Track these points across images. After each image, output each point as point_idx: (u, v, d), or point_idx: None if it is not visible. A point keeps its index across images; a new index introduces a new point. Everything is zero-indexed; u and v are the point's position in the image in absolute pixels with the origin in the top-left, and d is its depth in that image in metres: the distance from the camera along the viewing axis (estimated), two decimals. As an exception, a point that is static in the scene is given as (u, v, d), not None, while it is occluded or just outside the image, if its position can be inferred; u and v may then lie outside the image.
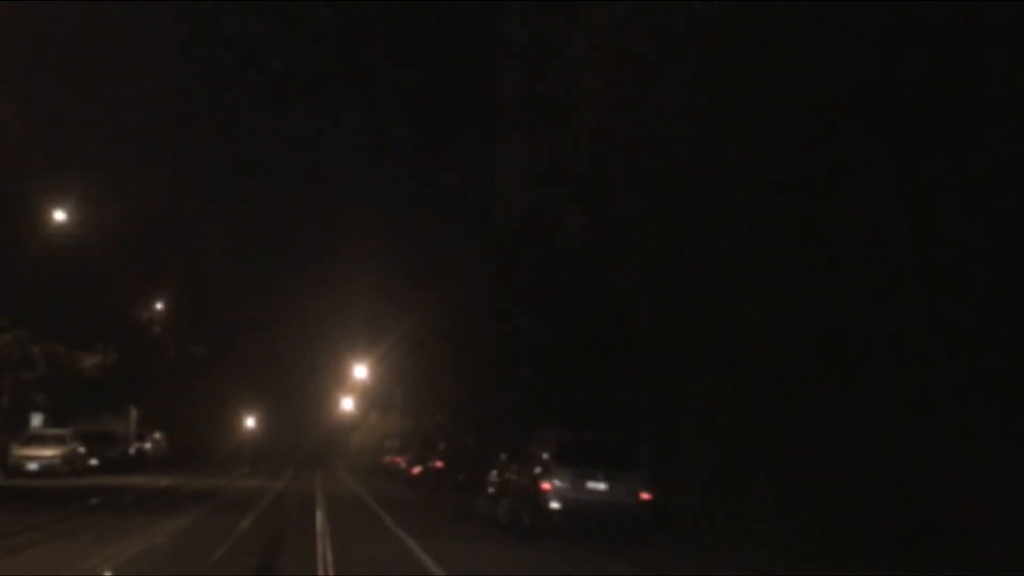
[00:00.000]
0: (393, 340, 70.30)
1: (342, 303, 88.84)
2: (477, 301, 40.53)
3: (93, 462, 47.03)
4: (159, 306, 66.63)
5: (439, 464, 36.88)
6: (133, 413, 53.71)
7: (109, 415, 51.59)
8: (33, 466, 40.10)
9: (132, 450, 54.91)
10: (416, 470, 42.82)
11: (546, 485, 21.19)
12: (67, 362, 44.86)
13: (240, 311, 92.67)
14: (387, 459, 59.52)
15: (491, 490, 26.92)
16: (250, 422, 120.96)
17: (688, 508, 22.22)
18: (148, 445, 62.42)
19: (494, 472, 27.26)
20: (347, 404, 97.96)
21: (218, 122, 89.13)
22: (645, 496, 21.18)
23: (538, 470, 21.62)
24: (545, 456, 21.56)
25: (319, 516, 25.22)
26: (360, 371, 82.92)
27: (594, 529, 21.35)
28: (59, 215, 43.77)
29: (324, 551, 17.71)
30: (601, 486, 21.20)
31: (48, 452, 40.90)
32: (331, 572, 15.16)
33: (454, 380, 51.92)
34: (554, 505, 21.10)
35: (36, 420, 49.44)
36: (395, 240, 75.21)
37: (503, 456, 26.80)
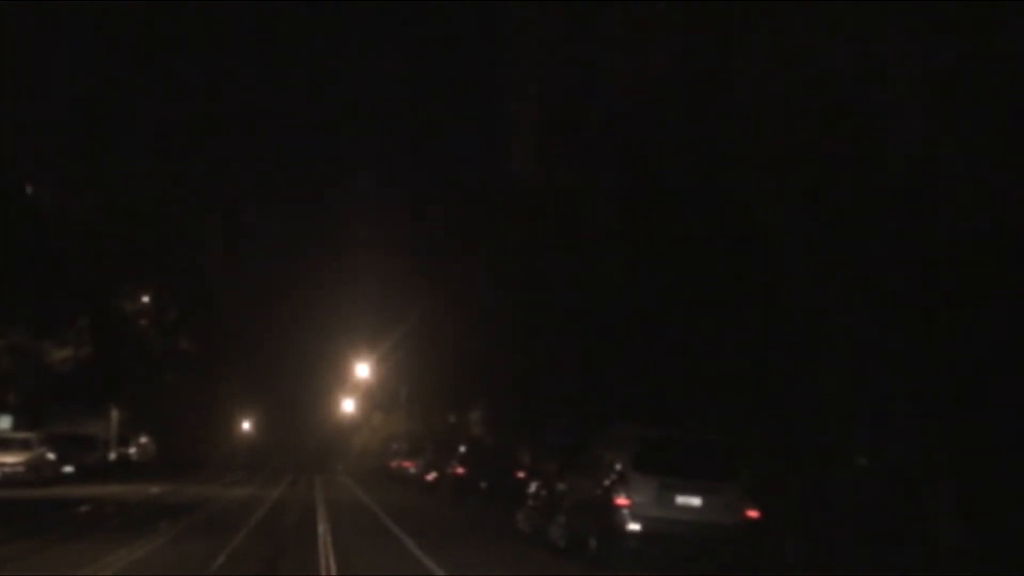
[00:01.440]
0: (399, 335, 65.28)
1: (344, 299, 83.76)
2: (499, 273, 35.43)
3: (68, 469, 42.11)
4: (146, 299, 61.57)
5: (460, 470, 31.80)
6: (114, 414, 48.64)
7: (87, 417, 46.54)
8: (-7, 475, 35.01)
9: (113, 455, 49.83)
10: (431, 476, 37.74)
11: (621, 500, 16.07)
12: (34, 355, 39.65)
13: (237, 308, 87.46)
14: (394, 463, 54.50)
15: (532, 503, 21.82)
16: (247, 425, 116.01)
17: (810, 530, 17.07)
18: (133, 450, 57.40)
19: (535, 483, 22.17)
20: (348, 405, 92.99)
21: (219, 108, 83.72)
22: (751, 514, 16.07)
23: (609, 480, 16.48)
24: (619, 463, 16.42)
25: (322, 537, 20.15)
26: (362, 369, 77.97)
27: (684, 557, 16.23)
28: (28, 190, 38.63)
29: (332, 598, 12.68)
30: (694, 501, 16.09)
31: (11, 459, 35.74)
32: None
33: (472, 372, 46.82)
34: (632, 527, 15.98)
35: (4, 422, 44.31)
36: (401, 230, 70.06)
37: (549, 462, 21.67)
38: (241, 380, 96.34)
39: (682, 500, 16.09)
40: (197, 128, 79.06)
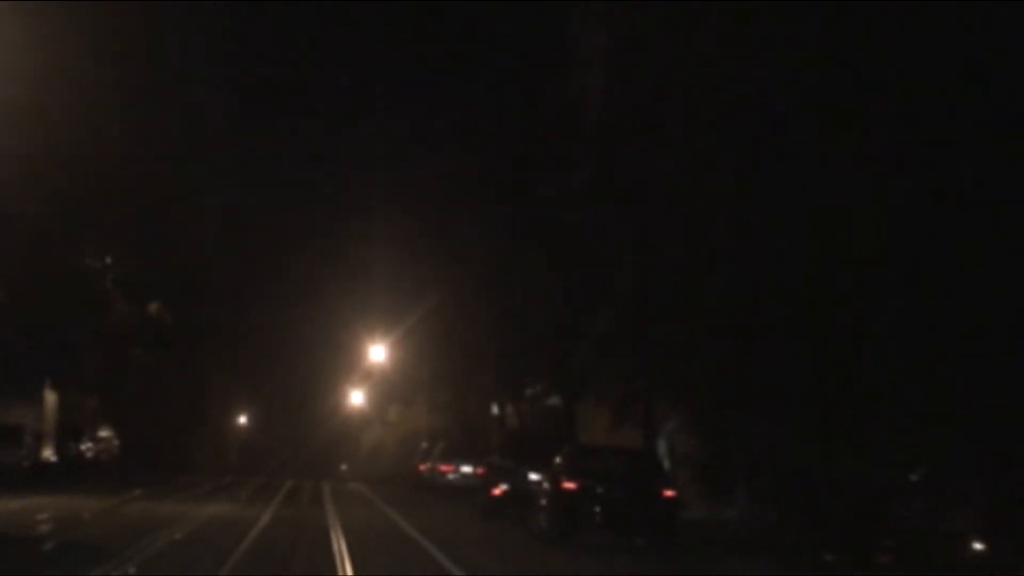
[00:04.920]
0: (424, 309, 52.43)
1: (357, 269, 70.50)
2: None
3: (-21, 472, 30.02)
4: (111, 260, 49.26)
5: (570, 484, 18.93)
6: (51, 398, 35.95)
7: (12, 401, 33.96)
8: None
9: (52, 453, 37.30)
10: (498, 490, 25.01)
11: None
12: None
13: (232, 282, 74.43)
14: (425, 466, 42.08)
15: None
16: (243, 419, 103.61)
17: None
18: (88, 446, 44.99)
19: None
20: (357, 398, 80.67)
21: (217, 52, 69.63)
22: None
23: None
24: None
25: None
26: (377, 352, 65.03)
27: None
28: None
29: None
30: None
31: None
32: None
33: (531, 350, 34.13)
34: None
35: None
36: (428, 180, 57.02)
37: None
38: (237, 367, 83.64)
39: None
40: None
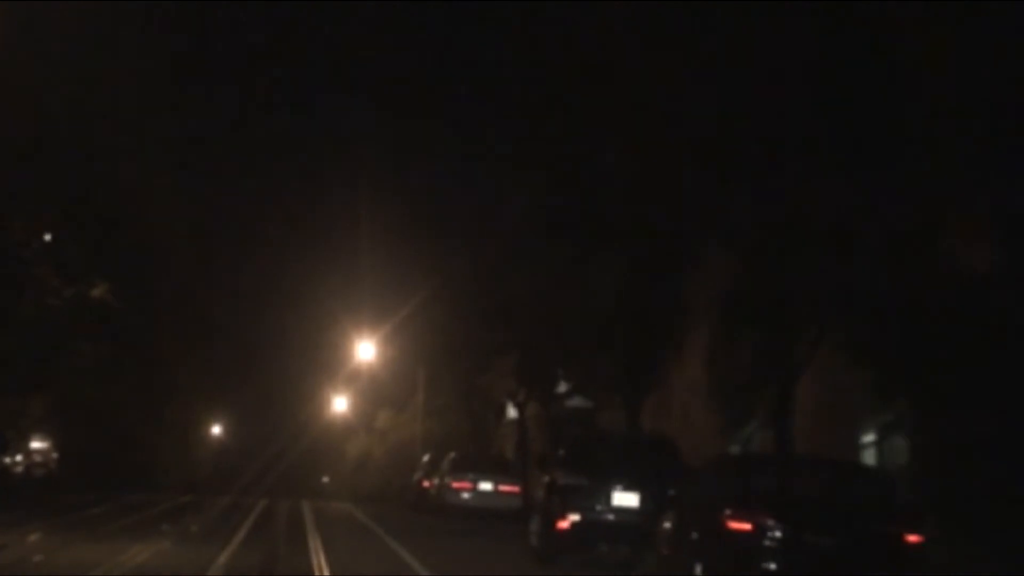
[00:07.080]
0: (420, 299, 44.73)
1: (342, 258, 63.27)
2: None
3: None
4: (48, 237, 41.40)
5: (742, 524, 10.74)
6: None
7: None
8: None
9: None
10: (566, 522, 16.97)
11: None
12: None
13: (205, 278, 66.72)
14: (430, 482, 34.75)
15: None
16: (217, 429, 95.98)
17: None
18: (16, 459, 37.18)
19: None
20: (340, 404, 73.96)
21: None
22: None
23: None
24: None
25: None
26: (365, 350, 57.82)
27: None
28: None
29: None
30: None
31: None
32: None
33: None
34: None
35: None
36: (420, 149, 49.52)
37: None
38: (208, 368, 75.76)
39: None
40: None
